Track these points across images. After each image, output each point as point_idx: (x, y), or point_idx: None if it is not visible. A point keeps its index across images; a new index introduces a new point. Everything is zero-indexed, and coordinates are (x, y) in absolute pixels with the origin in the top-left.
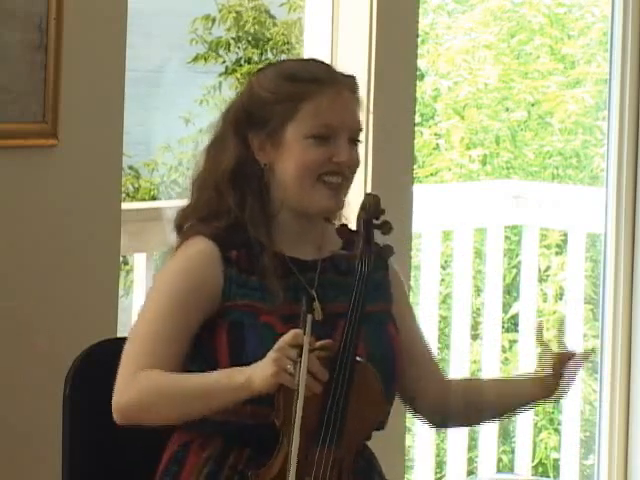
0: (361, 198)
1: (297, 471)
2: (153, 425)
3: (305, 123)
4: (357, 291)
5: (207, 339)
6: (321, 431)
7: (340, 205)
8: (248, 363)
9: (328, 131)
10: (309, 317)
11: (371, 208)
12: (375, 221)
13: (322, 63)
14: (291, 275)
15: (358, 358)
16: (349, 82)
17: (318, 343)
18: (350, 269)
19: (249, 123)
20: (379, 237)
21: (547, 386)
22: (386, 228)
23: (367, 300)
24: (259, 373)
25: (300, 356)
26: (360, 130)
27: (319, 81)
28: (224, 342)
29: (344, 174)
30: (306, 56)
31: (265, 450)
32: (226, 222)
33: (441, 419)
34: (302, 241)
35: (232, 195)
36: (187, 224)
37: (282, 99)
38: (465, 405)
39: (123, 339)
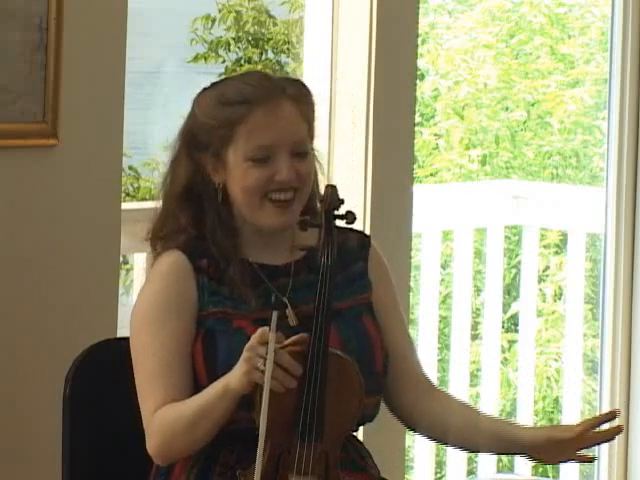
0: (361, 199)
1: (280, 467)
2: (192, 452)
3: (242, 146)
4: (322, 283)
5: None
6: (299, 425)
7: (292, 220)
8: (222, 371)
9: (264, 152)
10: (274, 313)
11: (329, 199)
12: (336, 211)
13: (259, 77)
14: (262, 282)
15: (333, 350)
16: (291, 91)
17: (290, 339)
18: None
19: (196, 145)
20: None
21: (553, 451)
22: (350, 218)
23: (339, 296)
24: (234, 375)
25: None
26: (302, 142)
27: (250, 102)
28: (199, 352)
29: (293, 188)
30: (306, 56)
31: (254, 448)
32: (190, 235)
33: (431, 433)
34: (271, 247)
35: (183, 214)
36: (155, 239)
37: (219, 124)
38: (461, 434)
39: (123, 339)
